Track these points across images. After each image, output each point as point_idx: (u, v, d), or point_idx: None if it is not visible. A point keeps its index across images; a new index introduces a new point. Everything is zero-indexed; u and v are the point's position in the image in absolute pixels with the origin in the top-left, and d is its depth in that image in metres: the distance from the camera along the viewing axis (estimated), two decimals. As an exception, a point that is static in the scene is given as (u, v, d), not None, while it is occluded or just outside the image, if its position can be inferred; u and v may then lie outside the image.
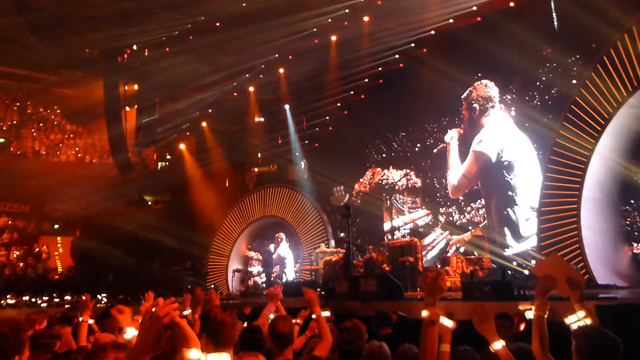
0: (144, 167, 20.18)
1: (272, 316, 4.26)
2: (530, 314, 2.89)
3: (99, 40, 14.49)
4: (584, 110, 9.28)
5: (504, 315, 4.27)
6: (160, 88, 16.68)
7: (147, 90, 17.14)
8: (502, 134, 10.61)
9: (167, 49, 15.32)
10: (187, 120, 18.22)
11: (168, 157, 21.06)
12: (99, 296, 14.10)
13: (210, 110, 17.82)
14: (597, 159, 9.13)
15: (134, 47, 15.65)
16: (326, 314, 4.19)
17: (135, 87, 17.72)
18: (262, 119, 17.76)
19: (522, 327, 4.46)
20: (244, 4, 12.90)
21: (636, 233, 9.31)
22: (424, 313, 2.46)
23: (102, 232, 18.26)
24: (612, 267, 9.12)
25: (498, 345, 2.68)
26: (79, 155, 21.63)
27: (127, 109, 18.03)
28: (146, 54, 16.14)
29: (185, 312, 4.94)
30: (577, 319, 2.77)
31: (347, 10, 13.12)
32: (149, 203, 21.69)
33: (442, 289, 2.48)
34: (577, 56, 9.92)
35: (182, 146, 19.10)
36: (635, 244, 9.24)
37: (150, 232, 17.72)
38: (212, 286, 16.32)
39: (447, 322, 2.60)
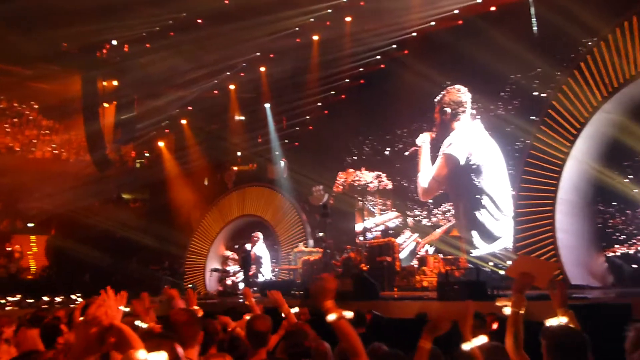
0: (122, 165, 19.90)
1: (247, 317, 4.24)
2: (507, 310, 2.92)
3: (78, 34, 14.21)
4: (561, 115, 9.44)
5: (476, 315, 4.30)
6: (139, 84, 16.45)
7: (126, 87, 16.91)
8: (471, 138, 10.73)
9: (148, 45, 15.15)
10: (166, 118, 18.02)
11: (147, 154, 20.79)
12: (72, 296, 13.85)
13: (190, 108, 17.67)
14: (572, 162, 9.30)
15: (114, 42, 15.43)
16: (295, 309, 4.20)
17: (114, 83, 17.47)
18: (242, 118, 17.66)
19: (494, 326, 4.51)
20: (226, 1, 12.83)
21: (609, 235, 9.48)
22: (331, 317, 2.41)
23: (78, 231, 17.93)
24: (585, 268, 9.28)
25: (471, 344, 2.70)
26: (55, 151, 21.17)
27: (106, 105, 17.76)
28: (126, 49, 15.92)
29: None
30: (557, 323, 2.80)
31: (329, 10, 13.14)
32: (127, 201, 21.39)
33: (330, 291, 2.46)
34: (555, 62, 10.07)
35: (161, 144, 18.88)
36: (608, 246, 9.41)
37: (127, 230, 17.49)
38: (190, 286, 16.17)
39: (347, 314, 2.60)
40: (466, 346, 2.75)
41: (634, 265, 7.98)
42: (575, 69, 9.36)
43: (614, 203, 9.44)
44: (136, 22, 14.00)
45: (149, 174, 19.38)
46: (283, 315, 4.09)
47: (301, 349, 3.34)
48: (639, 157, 8.99)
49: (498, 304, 2.92)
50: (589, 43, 9.27)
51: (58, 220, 20.56)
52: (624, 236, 9.29)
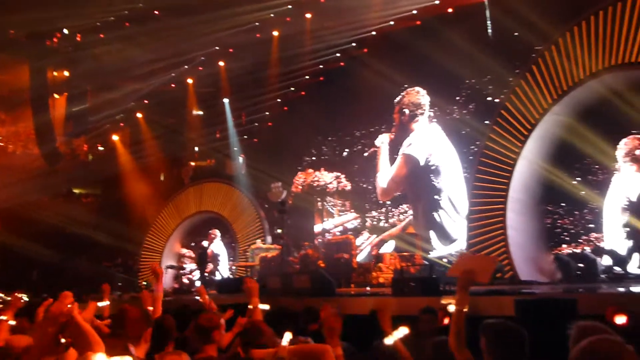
0: (73, 158, 19.19)
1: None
2: (452, 308, 2.96)
3: (26, 21, 13.60)
4: (513, 116, 9.74)
5: (429, 310, 4.39)
6: (92, 76, 15.90)
7: (78, 78, 16.30)
8: (430, 139, 10.91)
9: (102, 35, 14.65)
10: (121, 111, 17.50)
11: (100, 148, 20.13)
12: (18, 294, 13.26)
13: (146, 101, 17.21)
14: (523, 162, 9.61)
15: (65, 31, 14.83)
16: (265, 307, 4.18)
17: (66, 73, 16.81)
18: (200, 112, 17.36)
19: (446, 321, 4.60)
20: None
21: (558, 235, 9.85)
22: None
23: (26, 227, 17.19)
24: (534, 265, 9.62)
25: (396, 336, 2.75)
26: (1, 144, 20.22)
27: (56, 96, 17.09)
28: (78, 39, 15.35)
29: (102, 304, 4.77)
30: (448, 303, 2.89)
31: (289, 6, 13.07)
32: (78, 196, 20.68)
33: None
34: (509, 65, 10.36)
35: (115, 137, 18.33)
36: (556, 245, 9.77)
37: (78, 226, 16.94)
38: (144, 283, 15.83)
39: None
40: (388, 340, 2.80)
41: (580, 265, 8.31)
42: (528, 72, 9.66)
43: (562, 204, 9.76)
44: (89, 10, 13.51)
45: (102, 168, 18.79)
46: (250, 307, 4.03)
47: (255, 346, 3.32)
48: (587, 159, 9.34)
49: (443, 302, 2.98)
50: (541, 47, 9.58)
51: (4, 215, 19.63)
52: (571, 236, 9.64)
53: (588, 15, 8.89)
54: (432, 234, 10.92)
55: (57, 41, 15.28)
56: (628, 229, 8.45)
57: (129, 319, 2.50)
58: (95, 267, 16.12)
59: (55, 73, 16.61)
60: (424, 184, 10.94)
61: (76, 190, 20.65)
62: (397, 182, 11.40)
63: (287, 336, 2.86)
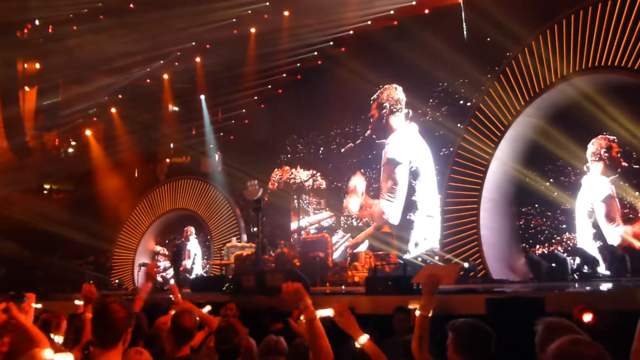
0: (44, 153, 18.72)
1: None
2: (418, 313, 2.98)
3: (-5, 10, 13.22)
4: (487, 117, 9.89)
5: (401, 309, 4.42)
6: (65, 68, 15.49)
7: (50, 70, 15.88)
8: (411, 140, 10.96)
9: (75, 27, 14.30)
10: (94, 105, 17.15)
11: (73, 143, 19.70)
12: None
13: (120, 96, 16.89)
14: (496, 163, 9.78)
15: (36, 22, 14.45)
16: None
17: (37, 65, 16.39)
18: (176, 108, 17.14)
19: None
20: (160, -13, 12.37)
21: (531, 235, 10.04)
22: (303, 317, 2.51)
23: (-6, 222, 16.76)
24: (506, 263, 9.81)
25: (364, 339, 2.75)
26: (-31, 137, 19.65)
27: (27, 89, 16.64)
28: (50, 30, 14.97)
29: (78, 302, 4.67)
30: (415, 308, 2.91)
31: (267, 3, 12.99)
32: (49, 192, 20.21)
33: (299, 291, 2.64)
34: (483, 67, 10.51)
35: (88, 132, 17.96)
36: (529, 246, 9.96)
37: (49, 223, 16.52)
38: (117, 281, 15.60)
39: (325, 312, 2.70)
40: (358, 343, 2.80)
41: (551, 264, 8.50)
42: (501, 74, 9.83)
43: (536, 205, 9.96)
44: (62, 2, 13.19)
45: (74, 163, 18.39)
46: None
47: (230, 345, 3.30)
48: (559, 161, 9.54)
49: (410, 306, 2.99)
50: (513, 51, 9.75)
51: (-29, 211, 19.12)
52: (545, 237, 9.84)
53: (559, 19, 9.10)
54: (408, 234, 11.00)
55: (28, 32, 14.87)
56: (594, 231, 8.71)
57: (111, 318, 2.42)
58: (66, 265, 15.79)
59: (25, 65, 16.16)
60: (402, 186, 11.00)
61: (47, 186, 20.18)
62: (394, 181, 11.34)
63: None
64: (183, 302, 4.72)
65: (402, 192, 10.69)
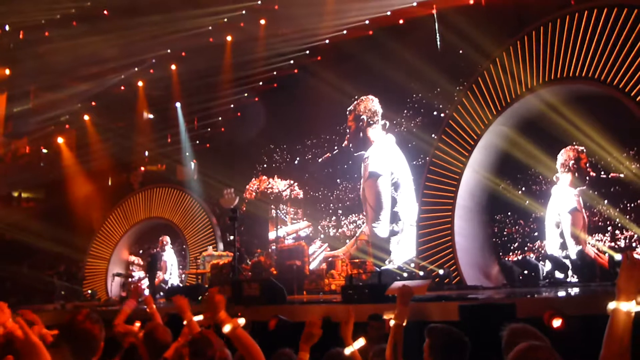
0: (13, 161, 18.29)
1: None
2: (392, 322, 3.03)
3: (-38, 16, 12.93)
4: (460, 126, 10.07)
5: (375, 317, 4.46)
6: (36, 75, 15.20)
7: (20, 76, 15.56)
8: (390, 153, 11.00)
9: (47, 34, 14.07)
10: (67, 112, 16.87)
11: (44, 150, 19.30)
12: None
13: (93, 103, 16.66)
14: (469, 171, 9.95)
15: (6, 27, 14.16)
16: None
17: (7, 71, 16.04)
18: (151, 116, 16.97)
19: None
20: (135, -6, 12.28)
21: (504, 243, 10.23)
22: (226, 328, 2.53)
23: (-40, 232, 16.30)
24: (480, 270, 9.96)
25: (354, 347, 2.80)
26: None
27: (-4, 95, 16.27)
28: (21, 36, 14.68)
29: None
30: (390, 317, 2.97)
31: (243, 12, 13.02)
32: (19, 200, 19.73)
33: (220, 303, 2.61)
34: (455, 79, 10.72)
35: (60, 140, 17.64)
36: (502, 253, 10.15)
37: (18, 232, 16.14)
38: (89, 291, 15.30)
39: (241, 321, 2.71)
40: (347, 350, 2.85)
41: (523, 270, 8.68)
42: (472, 86, 10.06)
43: (508, 212, 10.15)
44: (34, 7, 12.97)
45: (45, 171, 18.01)
46: (185, 322, 4.00)
47: (204, 357, 3.27)
48: (530, 170, 9.76)
49: (385, 317, 3.06)
50: (483, 63, 9.99)
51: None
52: (517, 244, 10.04)
53: (525, 33, 9.38)
54: (389, 243, 11.03)
55: (-3, 37, 14.58)
56: (562, 241, 8.94)
57: (83, 333, 2.40)
58: (36, 275, 15.43)
59: (-5, 71, 15.81)
60: (386, 198, 11.01)
61: (17, 194, 19.70)
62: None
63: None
64: (155, 314, 4.66)
65: (387, 204, 10.74)
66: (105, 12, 13.34)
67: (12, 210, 18.18)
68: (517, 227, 10.10)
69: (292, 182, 13.27)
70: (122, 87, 16.31)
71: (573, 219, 8.89)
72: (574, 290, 7.04)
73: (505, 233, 10.21)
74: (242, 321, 2.61)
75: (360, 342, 2.90)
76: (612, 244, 8.78)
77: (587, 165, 8.96)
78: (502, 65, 9.57)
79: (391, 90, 11.46)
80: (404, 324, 2.87)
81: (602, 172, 8.91)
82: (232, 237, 12.71)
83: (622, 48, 8.02)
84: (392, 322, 2.91)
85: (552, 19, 9.02)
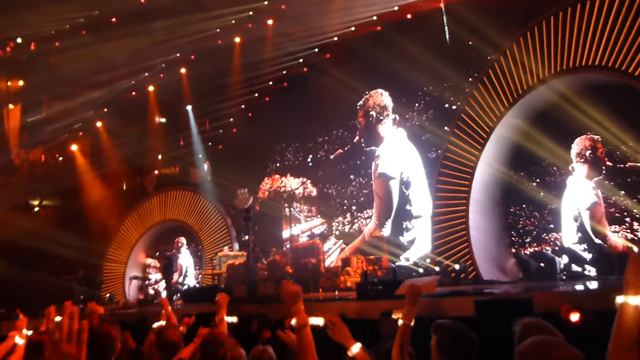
0: (30, 170, 18.59)
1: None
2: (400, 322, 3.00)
3: (-23, 30, 13.16)
4: (473, 120, 9.99)
5: (388, 313, 4.44)
6: (49, 85, 15.44)
7: (33, 87, 15.81)
8: (401, 150, 10.92)
9: (57, 44, 14.27)
10: (80, 120, 17.08)
11: (59, 158, 19.58)
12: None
13: (105, 110, 16.85)
14: (483, 165, 9.87)
15: (19, 39, 14.38)
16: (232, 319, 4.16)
17: (20, 83, 16.30)
18: (163, 120, 17.11)
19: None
20: (142, 0, 12.37)
21: (519, 236, 10.13)
22: (294, 321, 2.57)
23: (-19, 241, 16.58)
24: (496, 264, 9.88)
25: (356, 348, 2.77)
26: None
27: (11, 106, 16.53)
28: (33, 47, 14.90)
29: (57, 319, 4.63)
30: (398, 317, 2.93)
31: (251, 13, 13.05)
32: (36, 208, 20.03)
33: (297, 294, 2.64)
34: (466, 72, 10.62)
35: (74, 147, 17.87)
36: (518, 246, 10.05)
37: (37, 239, 16.39)
38: (108, 295, 15.47)
39: (318, 321, 2.71)
40: (350, 352, 2.82)
41: (540, 264, 8.57)
42: (482, 78, 9.96)
43: (523, 205, 10.06)
44: (43, 19, 13.14)
45: (61, 179, 18.27)
46: (217, 319, 4.05)
47: (216, 357, 3.29)
48: (544, 162, 9.65)
49: (394, 316, 3.03)
50: (493, 55, 9.88)
51: (-43, 231, 18.88)
52: (533, 237, 9.94)
53: (534, 24, 9.25)
54: (402, 240, 10.99)
55: (11, 50, 14.81)
56: (580, 234, 8.79)
57: (102, 336, 2.44)
58: (55, 281, 15.65)
59: (9, 83, 16.07)
60: (397, 196, 10.97)
61: (34, 203, 20.01)
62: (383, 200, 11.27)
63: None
64: (171, 316, 4.71)
65: (394, 204, 10.70)
66: (113, 19, 13.47)
67: (30, 218, 18.47)
68: (532, 219, 10.00)
69: (305, 179, 13.27)
70: (133, 93, 16.49)
71: (593, 213, 8.72)
72: (592, 284, 6.94)
73: (520, 226, 10.12)
74: (316, 320, 2.65)
75: (357, 347, 2.85)
76: (631, 235, 8.64)
77: (604, 154, 8.79)
78: (512, 57, 9.47)
79: (401, 84, 11.39)
80: (412, 323, 2.84)
81: (618, 162, 8.76)
82: (246, 237, 12.78)
83: (637, 35, 7.88)
84: (399, 322, 2.88)
85: (562, 7, 8.89)
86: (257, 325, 4.99)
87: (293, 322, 2.62)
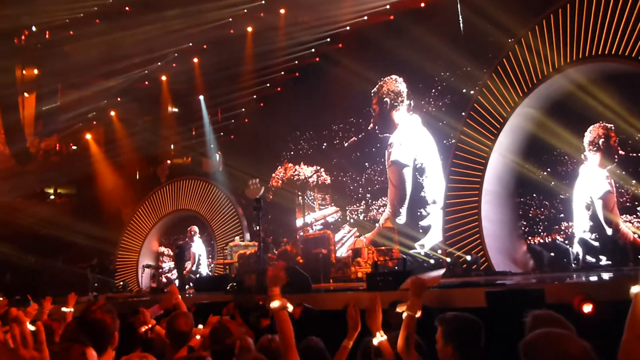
0: (45, 158, 18.81)
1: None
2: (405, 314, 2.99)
3: (-8, 18, 13.26)
4: (486, 109, 9.86)
5: (397, 304, 4.42)
6: (63, 73, 15.56)
7: (48, 76, 15.95)
8: (415, 136, 10.85)
9: (71, 32, 14.35)
10: (93, 109, 17.21)
11: (73, 147, 19.78)
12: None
13: (119, 99, 16.95)
14: (496, 155, 9.75)
15: (33, 28, 14.49)
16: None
17: (35, 71, 16.44)
18: (175, 110, 17.17)
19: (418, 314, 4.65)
20: (155, -11, 12.39)
21: (530, 225, 10.04)
22: (274, 304, 2.64)
23: (-2, 229, 16.86)
24: (508, 255, 9.80)
25: (382, 337, 2.78)
26: (-29, 144, 19.72)
27: (26, 95, 16.71)
28: (47, 36, 15.01)
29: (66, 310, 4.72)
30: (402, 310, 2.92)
31: (263, 2, 13.00)
32: (51, 196, 20.29)
33: (280, 279, 2.75)
34: (480, 60, 10.49)
35: (88, 136, 18.03)
36: (529, 235, 9.97)
37: (52, 227, 16.62)
38: (121, 283, 15.67)
39: (290, 307, 2.78)
40: (376, 340, 2.83)
41: (552, 254, 8.50)
42: (497, 67, 9.82)
43: (534, 195, 9.97)
44: (58, 7, 13.22)
45: (75, 167, 18.47)
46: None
47: (224, 346, 3.31)
48: (556, 151, 9.54)
49: (398, 309, 3.01)
50: (508, 44, 9.73)
51: (-25, 218, 19.20)
52: (544, 226, 9.85)
53: (550, 12, 9.08)
54: (415, 229, 10.97)
55: (25, 39, 14.94)
56: (592, 223, 8.69)
57: (95, 323, 2.46)
58: (70, 269, 15.87)
59: (24, 71, 16.23)
60: (410, 183, 10.94)
61: (49, 191, 20.27)
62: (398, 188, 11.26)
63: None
64: (180, 304, 4.72)
65: (408, 192, 10.65)
66: (126, 8, 13.51)
67: (45, 207, 18.72)
68: (543, 209, 9.91)
69: (318, 168, 13.24)
70: (146, 82, 16.55)
71: (606, 202, 8.63)
72: (606, 275, 6.86)
73: (530, 215, 10.03)
74: (290, 307, 2.72)
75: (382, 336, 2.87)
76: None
77: (616, 143, 8.69)
78: (527, 45, 9.31)
79: (415, 73, 11.31)
80: (417, 315, 2.83)
81: (631, 151, 8.63)
82: (257, 227, 12.83)
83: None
84: (404, 315, 2.87)
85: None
86: (255, 316, 5.03)
87: (274, 304, 2.64)
